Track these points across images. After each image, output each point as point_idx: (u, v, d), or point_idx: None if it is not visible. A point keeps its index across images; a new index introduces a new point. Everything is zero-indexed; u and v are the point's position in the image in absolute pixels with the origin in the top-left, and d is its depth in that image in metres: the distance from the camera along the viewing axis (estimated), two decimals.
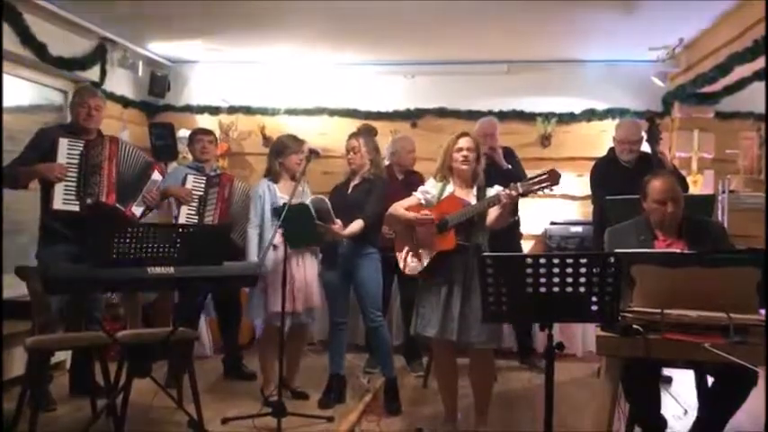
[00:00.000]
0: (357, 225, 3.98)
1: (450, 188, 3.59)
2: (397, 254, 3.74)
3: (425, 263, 3.53)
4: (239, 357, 4.91)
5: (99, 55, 5.52)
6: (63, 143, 3.89)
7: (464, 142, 3.55)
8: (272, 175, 4.25)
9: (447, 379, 3.71)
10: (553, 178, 3.16)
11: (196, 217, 4.50)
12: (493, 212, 3.42)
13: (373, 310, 4.11)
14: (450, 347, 3.57)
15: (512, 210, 3.38)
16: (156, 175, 4.19)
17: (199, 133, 4.84)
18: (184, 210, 4.48)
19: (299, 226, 3.74)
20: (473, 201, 3.48)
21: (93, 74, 5.48)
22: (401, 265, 3.70)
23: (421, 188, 3.72)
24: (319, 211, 3.84)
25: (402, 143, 5.15)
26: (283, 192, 4.11)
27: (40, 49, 4.69)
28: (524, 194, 3.29)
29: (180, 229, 3.19)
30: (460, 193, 3.55)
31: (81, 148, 3.93)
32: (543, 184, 3.16)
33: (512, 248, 4.82)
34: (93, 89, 4.47)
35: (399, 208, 3.70)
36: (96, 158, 3.94)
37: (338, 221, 3.91)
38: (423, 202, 3.64)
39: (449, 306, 3.45)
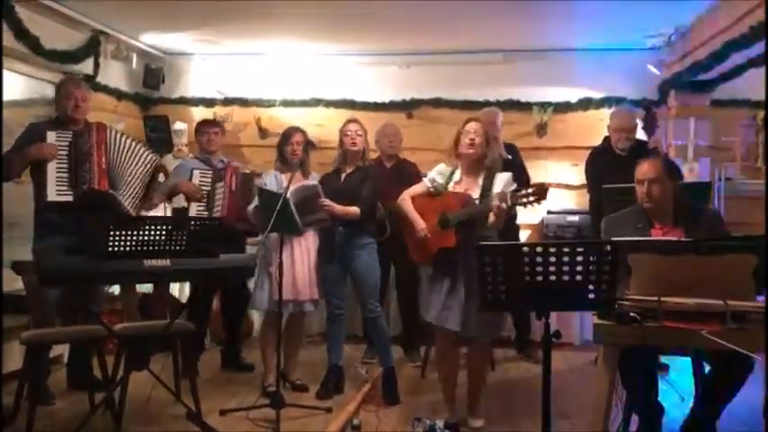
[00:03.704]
0: (355, 209, 4.01)
1: (457, 175, 3.62)
2: (406, 239, 3.77)
3: (428, 255, 3.56)
4: (238, 349, 4.92)
5: (92, 47, 5.49)
6: (51, 136, 3.88)
7: (471, 126, 3.59)
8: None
9: (448, 367, 3.72)
10: (541, 193, 3.19)
11: (206, 212, 4.50)
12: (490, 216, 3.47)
13: (371, 300, 4.12)
14: (452, 335, 3.59)
15: (505, 217, 3.42)
16: (162, 178, 4.20)
17: (204, 125, 4.86)
18: (194, 206, 4.51)
19: (278, 215, 3.62)
20: (478, 190, 3.51)
21: (86, 67, 5.45)
22: (411, 253, 3.73)
23: (429, 175, 3.74)
24: (310, 197, 3.85)
25: (382, 129, 5.13)
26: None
27: (33, 42, 4.67)
28: (512, 207, 3.35)
29: (176, 222, 3.17)
30: (467, 181, 3.59)
31: (69, 139, 3.92)
32: (531, 199, 3.19)
33: (510, 238, 4.81)
34: (77, 79, 4.41)
35: (408, 199, 3.74)
36: (84, 146, 3.92)
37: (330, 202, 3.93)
38: (431, 189, 3.67)
39: (451, 297, 3.47)
